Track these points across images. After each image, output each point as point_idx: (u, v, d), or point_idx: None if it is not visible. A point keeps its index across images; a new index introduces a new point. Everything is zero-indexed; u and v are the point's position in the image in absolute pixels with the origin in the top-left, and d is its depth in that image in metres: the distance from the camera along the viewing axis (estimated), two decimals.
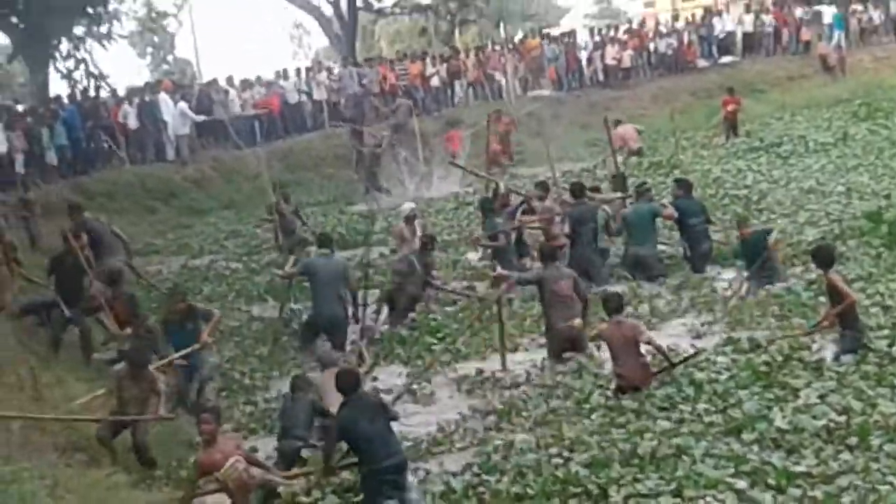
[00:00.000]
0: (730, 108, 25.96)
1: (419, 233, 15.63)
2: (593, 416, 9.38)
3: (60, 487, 7.84)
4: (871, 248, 13.69)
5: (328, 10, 38.39)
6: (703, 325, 12.00)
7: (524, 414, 9.87)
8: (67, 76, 27.75)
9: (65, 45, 28.19)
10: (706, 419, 8.70)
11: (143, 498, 8.81)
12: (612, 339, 10.07)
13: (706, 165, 22.09)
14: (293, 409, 9.89)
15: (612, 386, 10.03)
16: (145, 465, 9.58)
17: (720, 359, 10.37)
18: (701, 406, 9.02)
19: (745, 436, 8.20)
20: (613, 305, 10.35)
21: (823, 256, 10.50)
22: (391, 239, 17.17)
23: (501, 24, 39.16)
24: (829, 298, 10.29)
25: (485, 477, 8.30)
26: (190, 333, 11.30)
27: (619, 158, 24.07)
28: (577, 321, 11.25)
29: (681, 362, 10.16)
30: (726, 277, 13.78)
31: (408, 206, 16.91)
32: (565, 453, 8.48)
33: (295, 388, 10.20)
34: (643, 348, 10.04)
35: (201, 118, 25.60)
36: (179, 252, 20.07)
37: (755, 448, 8.03)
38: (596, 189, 16.64)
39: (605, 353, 10.61)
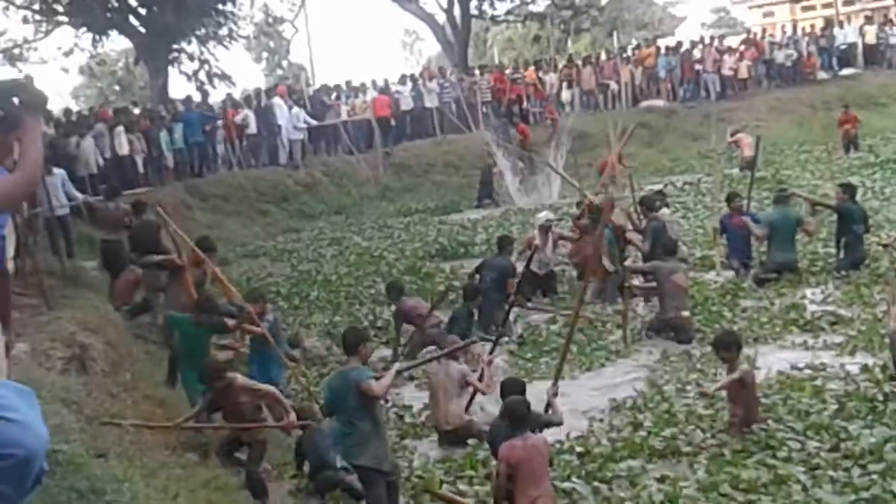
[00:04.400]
0: (845, 126, 25.39)
1: (551, 242, 15.54)
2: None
3: (171, 486, 7.92)
4: None
5: (441, 18, 38.57)
6: (846, 342, 11.27)
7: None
8: (194, 76, 28.40)
9: (188, 47, 28.92)
10: (817, 458, 8.10)
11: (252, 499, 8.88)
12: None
13: (814, 181, 21.48)
14: (321, 439, 8.97)
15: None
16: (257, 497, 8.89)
17: (831, 385, 9.81)
18: (812, 444, 8.35)
19: (872, 466, 7.82)
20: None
21: None
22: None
23: (615, 34, 38.77)
24: None
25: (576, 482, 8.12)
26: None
27: (732, 171, 23.79)
28: (686, 313, 12.26)
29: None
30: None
31: (543, 214, 16.71)
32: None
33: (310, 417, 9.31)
34: None
35: (316, 123, 25.97)
36: (279, 258, 20.17)
37: (875, 477, 7.68)
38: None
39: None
